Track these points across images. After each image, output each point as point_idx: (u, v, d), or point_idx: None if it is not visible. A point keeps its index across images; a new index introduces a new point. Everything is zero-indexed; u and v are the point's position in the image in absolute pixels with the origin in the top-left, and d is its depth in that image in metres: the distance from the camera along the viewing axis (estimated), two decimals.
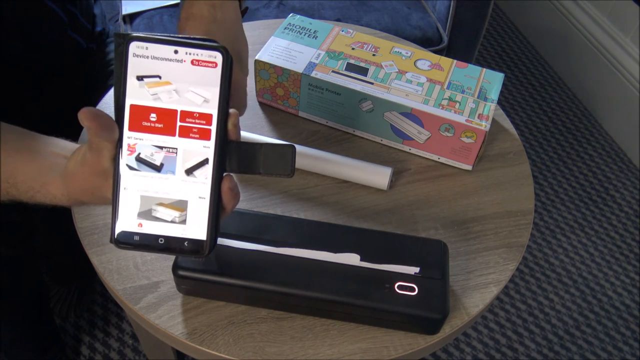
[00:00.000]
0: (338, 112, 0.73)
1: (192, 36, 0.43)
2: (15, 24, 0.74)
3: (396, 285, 0.54)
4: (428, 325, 0.56)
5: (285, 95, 0.75)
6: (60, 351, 1.16)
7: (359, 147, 0.73)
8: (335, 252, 0.56)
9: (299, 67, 0.71)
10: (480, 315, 0.78)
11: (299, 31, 0.76)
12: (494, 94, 0.71)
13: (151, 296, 0.58)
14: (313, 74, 0.71)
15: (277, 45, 0.74)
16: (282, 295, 0.54)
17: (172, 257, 0.56)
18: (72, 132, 0.57)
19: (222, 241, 0.56)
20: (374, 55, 0.74)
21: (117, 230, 0.43)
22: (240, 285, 0.54)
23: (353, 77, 0.71)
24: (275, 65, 0.72)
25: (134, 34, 0.41)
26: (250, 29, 0.88)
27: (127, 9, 1.21)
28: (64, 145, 0.52)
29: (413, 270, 0.56)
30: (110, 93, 0.77)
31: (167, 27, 1.18)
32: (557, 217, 1.51)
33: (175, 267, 0.54)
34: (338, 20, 1.22)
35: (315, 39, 0.75)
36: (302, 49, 0.74)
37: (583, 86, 1.81)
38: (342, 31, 0.77)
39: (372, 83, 0.70)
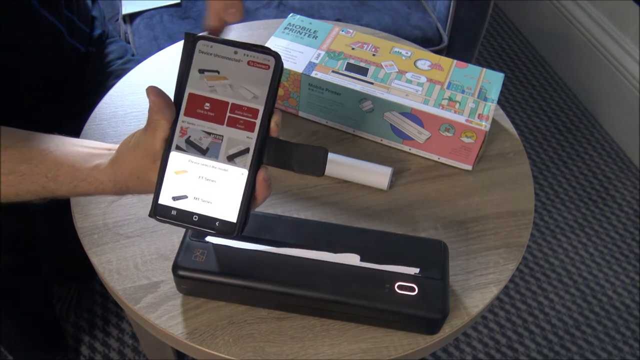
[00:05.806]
0: (338, 112, 0.73)
1: (251, 42, 0.47)
2: (11, 38, 0.74)
3: (396, 285, 0.54)
4: (428, 325, 0.56)
5: (285, 95, 0.75)
6: (63, 350, 1.16)
7: (359, 147, 0.73)
8: (335, 252, 0.56)
9: (299, 67, 0.71)
10: (480, 315, 0.78)
11: (299, 31, 0.76)
12: (494, 94, 0.71)
13: (151, 296, 0.58)
14: (313, 74, 0.71)
15: (277, 45, 0.74)
16: (282, 295, 0.54)
17: (172, 257, 0.56)
18: (73, 134, 0.57)
19: (222, 241, 0.56)
20: (374, 55, 0.74)
21: (159, 203, 0.47)
22: (240, 285, 0.54)
23: (353, 77, 0.71)
24: None
25: (202, 35, 0.46)
26: (250, 29, 0.88)
27: (127, 8, 1.21)
28: (94, 142, 0.53)
29: (413, 270, 0.56)
30: (110, 93, 0.77)
31: (167, 27, 1.18)
32: (557, 217, 1.51)
33: (175, 267, 0.54)
34: (338, 20, 1.22)
35: (315, 39, 0.75)
36: (302, 49, 0.74)
37: (583, 86, 1.81)
38: (342, 31, 0.77)
39: (372, 83, 0.70)
